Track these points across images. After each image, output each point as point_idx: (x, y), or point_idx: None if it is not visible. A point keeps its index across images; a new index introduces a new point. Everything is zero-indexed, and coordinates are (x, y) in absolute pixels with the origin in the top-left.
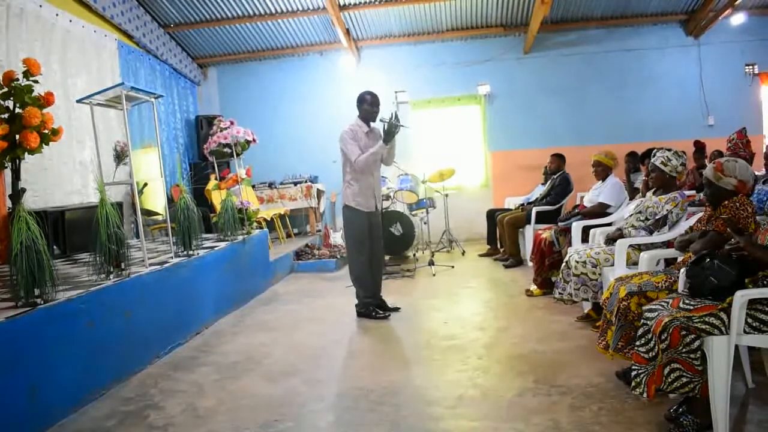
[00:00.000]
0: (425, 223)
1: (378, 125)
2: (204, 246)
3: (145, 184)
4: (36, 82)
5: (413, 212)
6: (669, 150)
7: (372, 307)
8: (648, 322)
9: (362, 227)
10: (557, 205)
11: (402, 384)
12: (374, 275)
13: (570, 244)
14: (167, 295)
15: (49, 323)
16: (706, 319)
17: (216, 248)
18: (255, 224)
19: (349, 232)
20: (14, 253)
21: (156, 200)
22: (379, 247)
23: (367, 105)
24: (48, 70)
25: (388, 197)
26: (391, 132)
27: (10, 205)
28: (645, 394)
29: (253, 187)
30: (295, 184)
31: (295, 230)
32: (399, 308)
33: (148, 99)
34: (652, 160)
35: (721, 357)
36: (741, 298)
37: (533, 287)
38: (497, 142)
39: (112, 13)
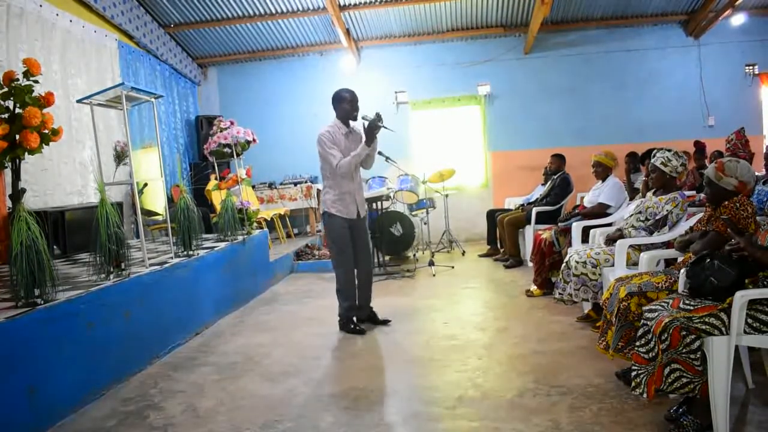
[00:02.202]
0: (425, 223)
1: (357, 125)
2: (204, 246)
3: (145, 184)
4: (36, 82)
5: (413, 212)
6: (669, 150)
7: (353, 322)
8: (648, 323)
9: (343, 235)
10: (557, 206)
11: (401, 384)
12: (362, 286)
13: (570, 245)
14: (167, 295)
15: (49, 323)
16: (706, 320)
17: (216, 248)
18: (255, 224)
19: (330, 241)
20: (14, 253)
21: (156, 200)
22: (366, 256)
23: (347, 104)
24: (48, 70)
25: (388, 197)
26: (372, 131)
27: (11, 205)
28: (645, 395)
29: (253, 187)
30: (295, 184)
31: (295, 230)
32: (389, 321)
33: (149, 99)
34: (652, 161)
35: (721, 357)
36: (741, 298)
37: (533, 287)
38: (497, 142)
39: (112, 13)
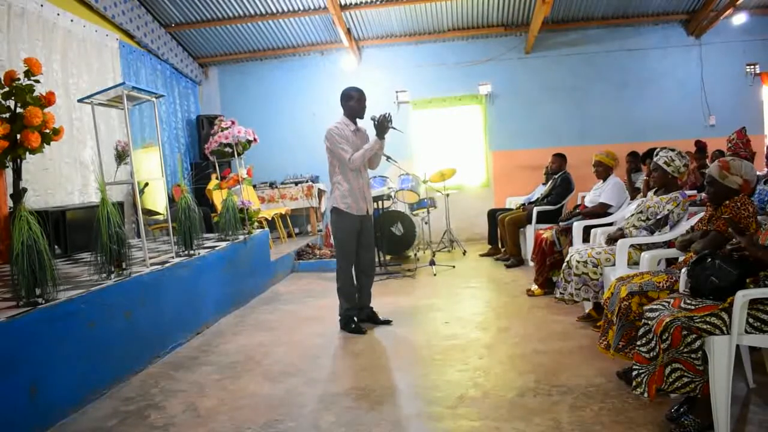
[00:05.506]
0: (426, 222)
1: (362, 123)
2: (205, 246)
3: (146, 184)
4: (37, 81)
5: (414, 212)
6: (672, 150)
7: (353, 321)
8: (649, 322)
9: (352, 233)
10: (558, 205)
11: (402, 384)
12: (363, 286)
13: (571, 244)
14: (168, 294)
15: (49, 323)
16: (708, 319)
17: (217, 248)
18: (256, 224)
19: (337, 238)
20: (15, 252)
21: (157, 200)
22: (371, 255)
23: (355, 102)
24: (49, 70)
25: (389, 197)
26: (384, 127)
27: (12, 205)
28: (646, 394)
29: (254, 186)
30: (296, 183)
31: (296, 230)
32: (390, 321)
33: (150, 98)
34: (654, 160)
35: (722, 357)
36: (742, 298)
37: (534, 287)
38: (498, 141)
39: (113, 12)
